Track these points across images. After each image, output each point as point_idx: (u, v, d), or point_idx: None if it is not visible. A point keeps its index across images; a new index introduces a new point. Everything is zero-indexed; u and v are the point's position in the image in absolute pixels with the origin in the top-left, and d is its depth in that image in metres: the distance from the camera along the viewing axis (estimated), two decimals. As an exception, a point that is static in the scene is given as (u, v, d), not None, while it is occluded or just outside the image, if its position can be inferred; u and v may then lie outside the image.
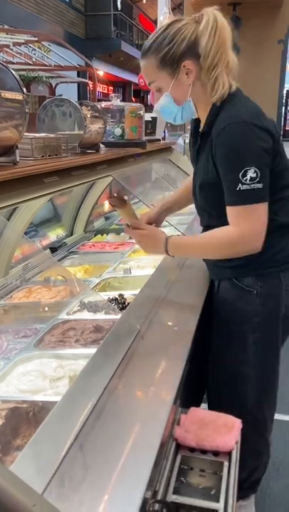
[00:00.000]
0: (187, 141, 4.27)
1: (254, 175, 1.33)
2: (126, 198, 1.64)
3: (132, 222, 1.60)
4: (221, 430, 1.09)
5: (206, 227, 1.59)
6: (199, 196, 1.55)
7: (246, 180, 1.33)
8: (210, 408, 1.74)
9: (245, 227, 1.39)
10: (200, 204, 1.59)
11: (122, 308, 1.75)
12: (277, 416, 2.36)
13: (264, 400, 1.67)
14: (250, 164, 1.33)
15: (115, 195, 1.63)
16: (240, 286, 1.54)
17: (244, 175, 1.33)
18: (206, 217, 1.60)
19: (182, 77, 1.41)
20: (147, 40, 1.45)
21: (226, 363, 1.64)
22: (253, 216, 1.38)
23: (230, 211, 1.40)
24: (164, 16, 4.78)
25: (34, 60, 8.99)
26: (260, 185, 1.34)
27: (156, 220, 1.82)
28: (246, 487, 1.83)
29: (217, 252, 1.51)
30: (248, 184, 1.34)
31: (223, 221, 1.44)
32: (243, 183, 1.34)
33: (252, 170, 1.33)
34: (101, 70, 15.80)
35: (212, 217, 1.55)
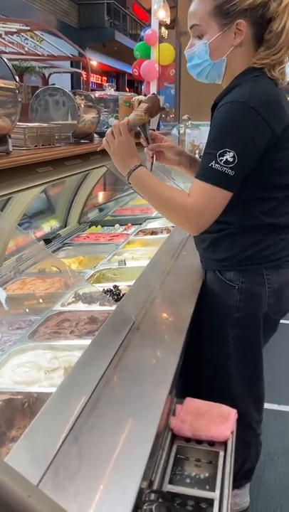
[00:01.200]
0: (182, 131, 4.25)
1: (231, 159, 1.27)
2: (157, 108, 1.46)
3: (131, 124, 1.45)
4: (216, 420, 1.09)
5: None
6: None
7: (221, 160, 1.28)
8: (200, 395, 1.75)
9: (199, 203, 1.33)
10: None
11: (117, 300, 1.75)
12: (272, 406, 2.38)
13: (247, 393, 1.66)
14: (231, 147, 1.27)
15: (151, 95, 1.45)
16: (222, 280, 1.53)
17: (221, 155, 1.28)
18: None
19: (229, 35, 1.34)
20: None
21: (211, 355, 1.65)
22: (211, 198, 1.33)
23: (195, 183, 1.35)
24: (158, 4, 4.74)
25: (27, 49, 8.89)
26: (231, 173, 1.28)
27: (159, 140, 1.63)
28: (240, 477, 1.85)
29: (164, 210, 1.47)
30: (221, 165, 1.28)
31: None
32: (216, 162, 1.28)
33: (231, 153, 1.27)
34: (94, 60, 15.64)
35: None
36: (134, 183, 1.45)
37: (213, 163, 1.29)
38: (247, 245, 1.46)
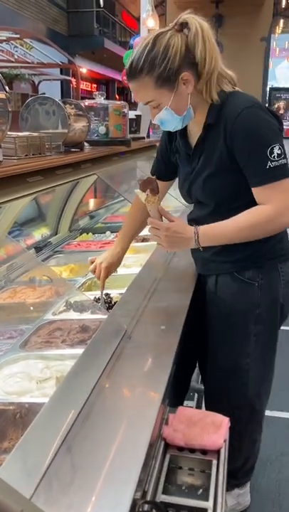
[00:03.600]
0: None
1: (279, 151, 1.37)
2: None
3: (160, 211, 1.47)
4: (209, 429, 1.09)
5: (195, 220, 1.58)
6: (202, 189, 1.54)
7: (274, 157, 1.36)
8: (207, 404, 1.79)
9: (280, 202, 1.39)
10: (201, 197, 1.56)
11: (109, 308, 1.75)
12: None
13: (263, 390, 1.71)
14: (274, 142, 1.37)
15: (146, 178, 1.45)
16: (241, 280, 1.56)
17: (271, 152, 1.36)
18: (203, 209, 1.58)
19: (181, 89, 1.39)
20: (133, 61, 1.38)
21: (227, 356, 1.65)
22: (286, 191, 1.40)
23: (261, 190, 1.40)
24: (146, 13, 4.77)
25: (16, 57, 8.89)
26: (285, 161, 1.39)
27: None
28: (241, 475, 1.89)
29: (256, 234, 1.47)
30: (277, 161, 1.37)
31: (218, 212, 1.48)
32: (271, 161, 1.36)
33: (277, 147, 1.37)
34: (84, 67, 15.69)
35: (207, 208, 1.55)
36: (209, 243, 1.49)
37: (269, 163, 1.36)
38: (262, 243, 1.49)
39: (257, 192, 1.41)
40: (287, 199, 1.40)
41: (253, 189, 1.41)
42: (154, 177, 1.49)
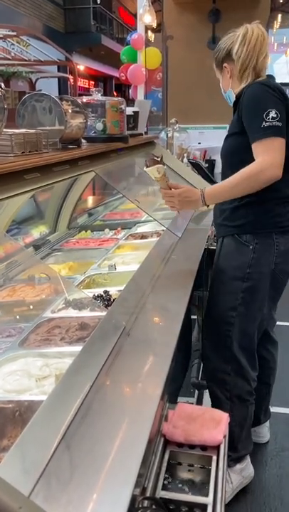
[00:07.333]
0: (170, 135, 4.26)
1: (275, 115, 1.63)
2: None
3: (170, 185, 1.82)
4: (208, 425, 1.09)
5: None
6: (223, 147, 1.90)
7: (269, 118, 1.63)
8: (204, 359, 2.03)
9: (266, 157, 1.63)
10: (222, 154, 1.93)
11: (108, 305, 1.75)
12: (263, 407, 2.36)
13: (244, 345, 1.90)
14: (271, 107, 1.65)
15: (157, 158, 1.78)
16: (239, 241, 1.84)
17: (267, 115, 1.64)
18: (223, 166, 1.92)
19: (225, 74, 1.93)
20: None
21: (218, 308, 1.92)
22: (273, 147, 1.64)
23: (255, 147, 1.66)
24: (143, 8, 4.74)
25: (13, 54, 8.86)
26: (279, 124, 1.64)
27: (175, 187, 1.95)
28: (240, 447, 1.95)
29: (251, 187, 1.70)
30: (271, 122, 1.63)
31: (234, 168, 1.73)
32: (266, 121, 1.63)
33: (273, 111, 1.64)
34: (81, 64, 15.63)
35: (226, 165, 1.89)
36: (213, 201, 1.83)
37: (263, 123, 1.64)
38: (261, 213, 1.80)
39: (253, 148, 1.66)
40: (271, 156, 1.63)
41: (252, 146, 1.67)
42: (156, 157, 1.79)
